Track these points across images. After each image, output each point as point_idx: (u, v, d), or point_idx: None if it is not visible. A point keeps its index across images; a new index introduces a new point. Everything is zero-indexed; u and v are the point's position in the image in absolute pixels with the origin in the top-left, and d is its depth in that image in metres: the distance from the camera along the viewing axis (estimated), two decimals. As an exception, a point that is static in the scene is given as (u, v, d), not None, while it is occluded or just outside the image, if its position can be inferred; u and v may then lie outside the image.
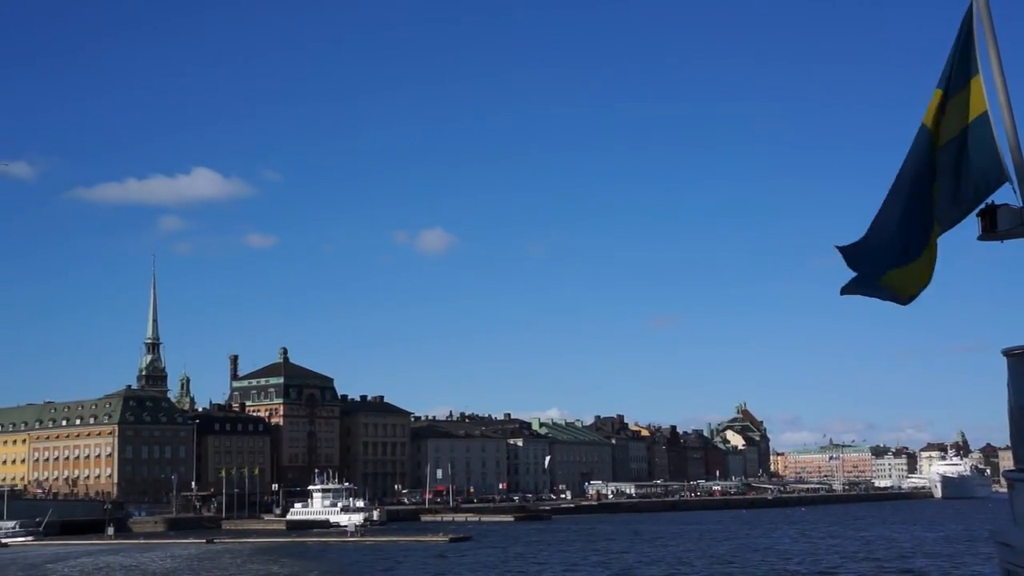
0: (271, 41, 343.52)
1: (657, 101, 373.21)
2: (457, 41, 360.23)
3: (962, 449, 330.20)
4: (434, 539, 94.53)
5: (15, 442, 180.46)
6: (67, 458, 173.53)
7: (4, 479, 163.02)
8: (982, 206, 6.61)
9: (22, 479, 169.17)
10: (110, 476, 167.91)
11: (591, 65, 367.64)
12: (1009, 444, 6.85)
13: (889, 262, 7.27)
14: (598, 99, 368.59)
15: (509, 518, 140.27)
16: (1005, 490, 7.65)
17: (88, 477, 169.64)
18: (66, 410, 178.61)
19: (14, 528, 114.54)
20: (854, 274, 7.73)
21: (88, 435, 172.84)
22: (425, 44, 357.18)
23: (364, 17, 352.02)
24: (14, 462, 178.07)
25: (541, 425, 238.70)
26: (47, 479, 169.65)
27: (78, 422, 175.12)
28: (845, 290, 7.95)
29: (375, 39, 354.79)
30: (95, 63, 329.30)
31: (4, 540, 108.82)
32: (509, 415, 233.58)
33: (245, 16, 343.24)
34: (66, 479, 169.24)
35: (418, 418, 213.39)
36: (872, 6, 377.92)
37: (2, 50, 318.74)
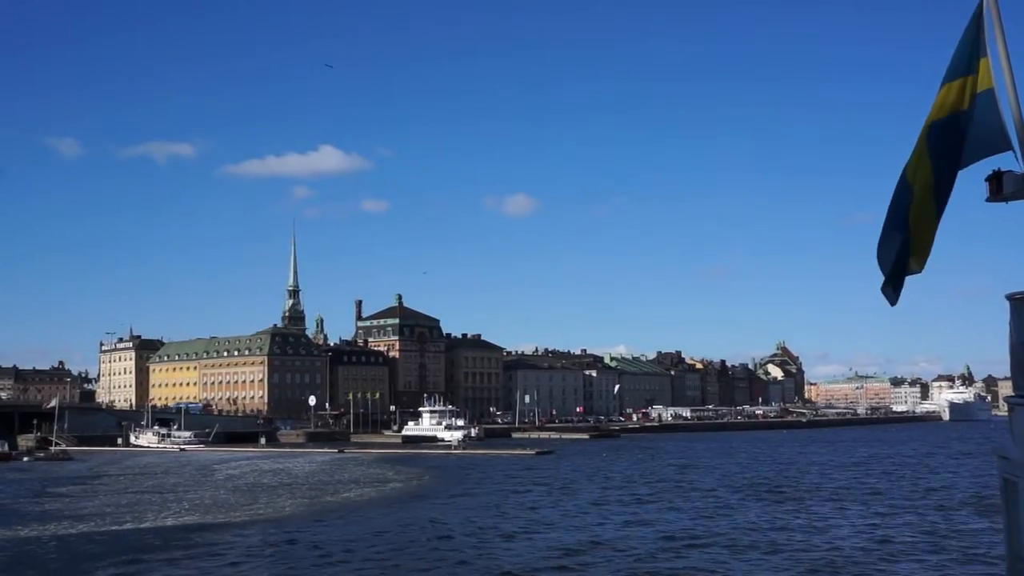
0: (381, 44, 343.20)
1: (698, 80, 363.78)
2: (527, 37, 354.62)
3: (967, 379, 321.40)
4: (522, 452, 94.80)
5: (188, 369, 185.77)
6: (228, 382, 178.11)
7: (180, 399, 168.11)
8: (990, 172, 6.43)
9: (194, 399, 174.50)
10: (262, 397, 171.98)
11: (630, 42, 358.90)
12: (1009, 375, 6.65)
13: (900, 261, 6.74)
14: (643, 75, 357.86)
15: (585, 436, 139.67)
16: (1004, 414, 7.46)
17: (245, 398, 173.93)
18: (227, 344, 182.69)
19: (190, 437, 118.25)
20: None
21: (244, 364, 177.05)
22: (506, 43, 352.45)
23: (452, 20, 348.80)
24: (188, 385, 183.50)
25: (611, 359, 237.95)
26: (213, 399, 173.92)
27: (236, 353, 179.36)
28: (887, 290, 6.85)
29: (471, 43, 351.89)
30: (242, 62, 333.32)
31: (183, 446, 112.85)
32: (585, 350, 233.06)
33: (353, 23, 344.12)
34: (228, 399, 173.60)
35: (509, 352, 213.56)
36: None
37: (179, 53, 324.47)
